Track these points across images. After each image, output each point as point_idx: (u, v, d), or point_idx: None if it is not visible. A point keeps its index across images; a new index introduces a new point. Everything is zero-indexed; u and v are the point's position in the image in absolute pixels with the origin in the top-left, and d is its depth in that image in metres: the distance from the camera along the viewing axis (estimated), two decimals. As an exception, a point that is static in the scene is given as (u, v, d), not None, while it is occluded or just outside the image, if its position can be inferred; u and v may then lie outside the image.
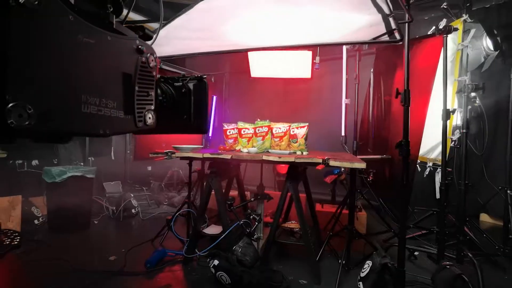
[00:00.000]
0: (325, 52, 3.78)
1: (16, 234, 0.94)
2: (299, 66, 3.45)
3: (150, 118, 0.75)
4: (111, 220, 3.61)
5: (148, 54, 0.73)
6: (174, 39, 1.69)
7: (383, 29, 1.23)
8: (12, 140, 0.68)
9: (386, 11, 1.42)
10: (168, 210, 4.12)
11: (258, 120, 2.66)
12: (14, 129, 0.44)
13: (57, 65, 0.51)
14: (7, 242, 0.91)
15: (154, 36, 1.24)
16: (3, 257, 0.82)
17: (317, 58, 3.26)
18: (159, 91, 0.87)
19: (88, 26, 0.56)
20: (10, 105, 0.43)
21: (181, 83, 0.94)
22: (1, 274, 0.95)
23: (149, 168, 5.19)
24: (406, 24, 1.56)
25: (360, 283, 2.10)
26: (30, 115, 0.46)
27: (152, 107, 0.76)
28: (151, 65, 0.74)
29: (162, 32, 1.83)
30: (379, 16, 1.39)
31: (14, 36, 0.44)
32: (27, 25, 0.45)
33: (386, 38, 1.19)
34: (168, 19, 2.11)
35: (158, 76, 0.88)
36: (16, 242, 0.94)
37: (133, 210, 3.75)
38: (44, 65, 0.49)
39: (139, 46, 0.71)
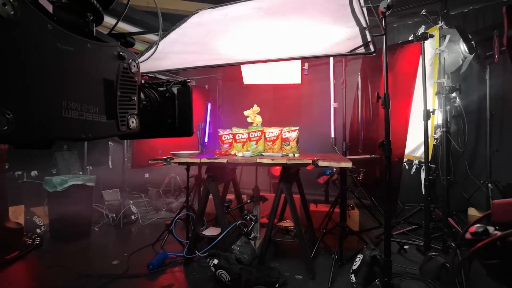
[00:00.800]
0: (313, 59, 3.95)
1: (36, 235, 1.02)
2: (289, 72, 3.61)
3: (133, 122, 0.76)
4: (112, 227, 3.69)
5: (130, 60, 0.74)
6: (171, 53, 1.82)
7: (359, 42, 1.37)
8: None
9: (363, 24, 1.58)
10: (166, 215, 4.21)
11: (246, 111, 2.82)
12: None
13: (36, 72, 0.52)
14: (29, 242, 0.99)
15: (154, 48, 1.36)
16: (26, 255, 0.90)
17: (306, 65, 3.42)
18: (142, 96, 0.87)
19: (67, 34, 0.58)
20: None
21: (165, 88, 0.94)
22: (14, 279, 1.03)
23: (147, 175, 5.28)
24: (384, 36, 1.73)
25: (352, 275, 2.23)
26: (9, 120, 0.46)
27: (135, 112, 0.77)
28: (132, 70, 0.75)
29: (159, 46, 1.96)
30: (357, 29, 1.54)
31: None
32: (3, 34, 0.47)
33: (362, 50, 1.33)
34: (165, 31, 2.25)
35: (143, 81, 0.90)
36: (37, 242, 1.02)
37: (132, 217, 3.83)
38: (22, 72, 0.50)
39: (120, 53, 0.72)
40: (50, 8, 0.62)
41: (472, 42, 2.85)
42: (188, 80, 0.97)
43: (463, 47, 3.09)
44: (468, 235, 0.43)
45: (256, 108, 2.86)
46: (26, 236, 1.02)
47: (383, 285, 1.85)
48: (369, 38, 1.39)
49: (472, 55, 2.93)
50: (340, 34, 1.53)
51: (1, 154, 0.80)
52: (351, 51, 1.35)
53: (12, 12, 0.47)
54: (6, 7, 0.46)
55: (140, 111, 0.80)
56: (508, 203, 0.44)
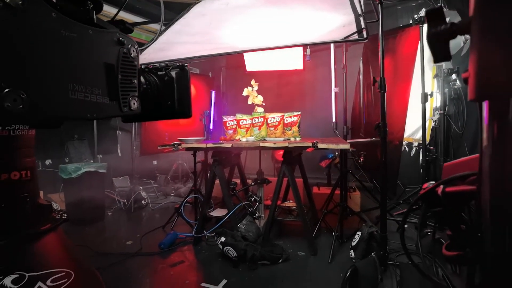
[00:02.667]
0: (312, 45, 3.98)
1: (63, 211, 1.13)
2: (291, 58, 3.65)
3: (134, 103, 0.80)
4: (123, 212, 3.88)
5: (129, 45, 0.78)
6: (175, 43, 1.91)
7: (354, 29, 1.45)
8: (8, 123, 0.74)
9: (359, 11, 1.65)
10: (175, 200, 4.39)
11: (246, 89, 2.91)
12: (10, 112, 0.50)
13: (44, 57, 0.57)
14: (58, 217, 1.11)
15: (156, 36, 1.45)
16: (57, 228, 1.03)
17: (308, 50, 3.46)
18: (143, 79, 0.91)
19: (69, 22, 0.62)
20: (5, 90, 0.50)
21: (164, 72, 0.99)
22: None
23: (155, 162, 5.44)
24: (379, 22, 1.79)
25: (352, 251, 2.37)
26: (24, 100, 0.52)
27: (136, 94, 0.81)
28: (132, 55, 0.79)
29: (164, 37, 2.05)
30: (352, 16, 1.61)
31: (2, 32, 0.50)
32: (14, 22, 0.51)
33: (355, 36, 1.41)
34: (169, 21, 2.32)
35: (143, 66, 0.96)
36: (65, 217, 1.13)
37: (143, 202, 4.02)
38: (31, 57, 0.55)
39: (120, 38, 0.76)
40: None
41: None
42: (185, 64, 1.03)
43: (464, 29, 3.10)
44: (422, 191, 0.54)
45: (254, 83, 2.92)
46: (54, 212, 1.14)
47: (379, 258, 1.98)
48: (362, 25, 1.47)
49: (472, 37, 2.94)
50: (336, 21, 1.60)
51: (30, 139, 0.90)
52: (345, 37, 1.42)
53: (20, 2, 0.51)
54: None
55: (141, 94, 0.86)
56: (454, 164, 0.54)
